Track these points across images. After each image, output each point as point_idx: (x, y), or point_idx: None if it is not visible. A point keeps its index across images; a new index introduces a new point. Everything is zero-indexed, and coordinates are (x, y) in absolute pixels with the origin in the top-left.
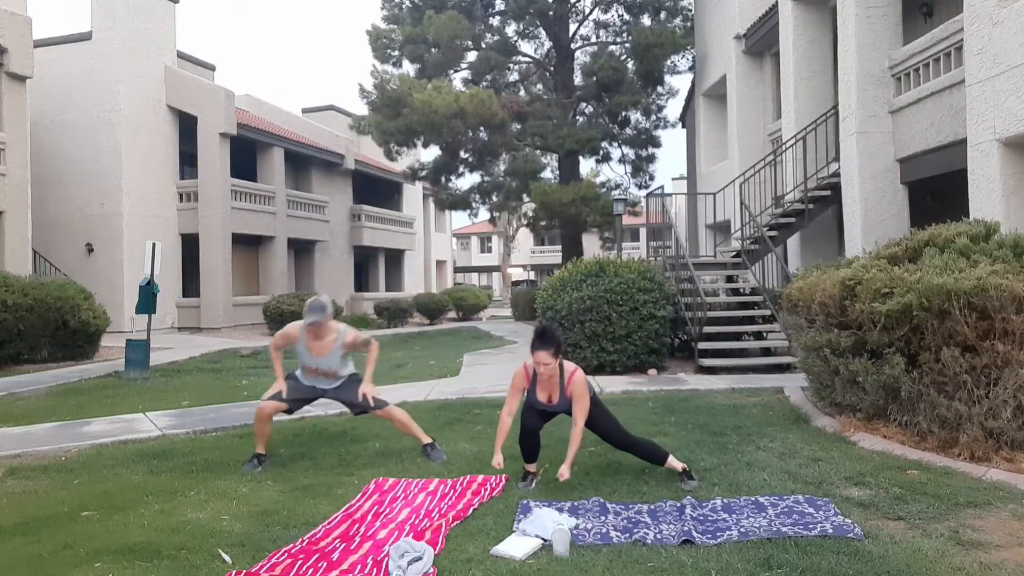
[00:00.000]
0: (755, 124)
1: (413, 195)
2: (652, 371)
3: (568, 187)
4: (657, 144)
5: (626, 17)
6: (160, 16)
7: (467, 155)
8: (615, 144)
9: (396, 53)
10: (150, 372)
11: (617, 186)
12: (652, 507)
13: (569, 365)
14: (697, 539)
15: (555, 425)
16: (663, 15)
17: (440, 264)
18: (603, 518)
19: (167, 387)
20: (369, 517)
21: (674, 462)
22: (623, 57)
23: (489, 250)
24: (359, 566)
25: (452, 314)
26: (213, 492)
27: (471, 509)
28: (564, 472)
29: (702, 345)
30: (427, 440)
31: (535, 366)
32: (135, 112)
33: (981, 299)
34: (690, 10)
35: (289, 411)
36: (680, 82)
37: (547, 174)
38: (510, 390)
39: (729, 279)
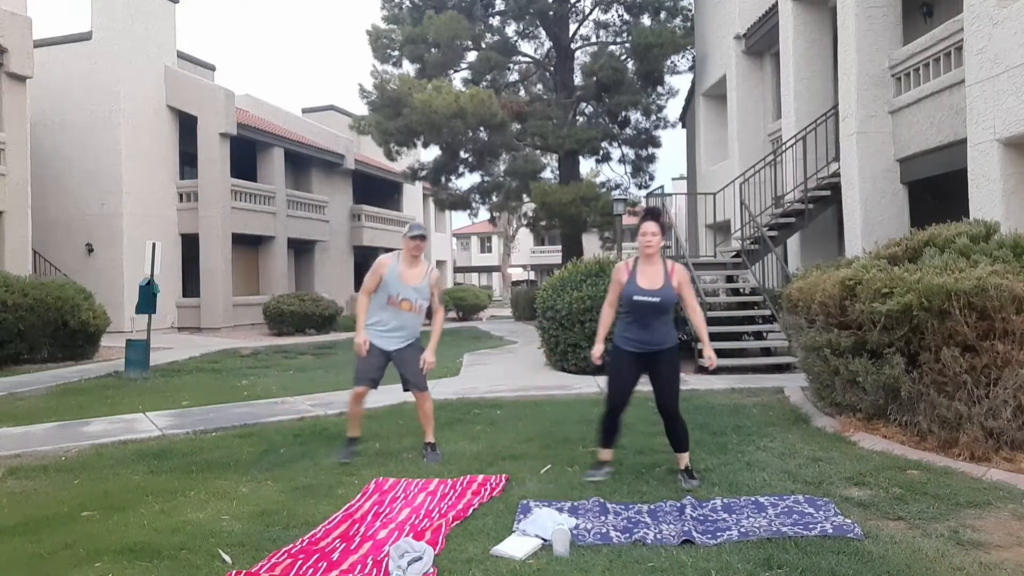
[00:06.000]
0: (755, 124)
1: (413, 195)
2: None
3: (568, 187)
4: (657, 144)
5: (626, 17)
6: (160, 16)
7: (467, 155)
8: (615, 144)
9: (396, 53)
10: (150, 372)
11: (617, 186)
12: (652, 507)
13: (669, 260)
14: (697, 539)
15: (558, 426)
16: (663, 15)
17: (440, 264)
18: (603, 518)
19: (167, 387)
20: (369, 517)
21: (685, 458)
22: (623, 57)
23: (489, 250)
24: (359, 566)
25: (452, 314)
26: (213, 492)
27: (471, 509)
28: (710, 355)
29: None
30: (431, 440)
31: (639, 239)
32: (135, 112)
33: (981, 299)
34: (690, 10)
35: (374, 386)
36: (680, 82)
37: (547, 174)
38: (611, 286)
39: (729, 279)
